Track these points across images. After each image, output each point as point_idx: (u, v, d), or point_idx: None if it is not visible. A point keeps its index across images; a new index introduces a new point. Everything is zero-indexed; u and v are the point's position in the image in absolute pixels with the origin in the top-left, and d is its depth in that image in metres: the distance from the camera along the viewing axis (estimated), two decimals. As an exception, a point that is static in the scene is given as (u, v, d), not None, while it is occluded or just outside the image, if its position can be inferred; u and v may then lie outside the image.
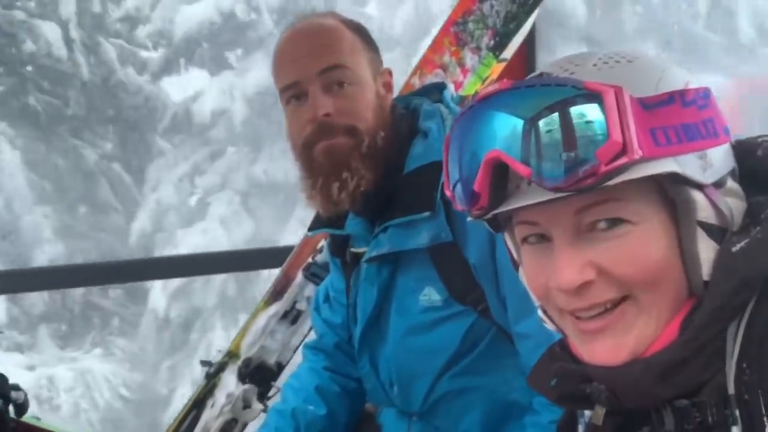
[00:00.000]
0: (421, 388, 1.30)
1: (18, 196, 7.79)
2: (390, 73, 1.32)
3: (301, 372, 1.52)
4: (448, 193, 0.70)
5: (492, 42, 1.87)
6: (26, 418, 1.43)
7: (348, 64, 1.24)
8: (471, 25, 1.86)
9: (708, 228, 0.67)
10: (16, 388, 1.37)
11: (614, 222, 0.65)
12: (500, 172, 0.66)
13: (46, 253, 6.79)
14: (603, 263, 0.66)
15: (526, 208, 0.66)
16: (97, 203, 7.39)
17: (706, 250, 0.67)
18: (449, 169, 0.70)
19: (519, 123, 0.63)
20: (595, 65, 0.67)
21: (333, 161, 1.23)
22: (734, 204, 0.69)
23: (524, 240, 0.70)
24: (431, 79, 1.81)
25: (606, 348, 0.67)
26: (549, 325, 0.74)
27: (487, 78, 1.86)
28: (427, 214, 1.21)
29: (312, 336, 1.65)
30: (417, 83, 1.86)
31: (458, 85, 1.87)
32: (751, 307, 0.65)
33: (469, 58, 1.88)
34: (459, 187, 0.68)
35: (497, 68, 1.86)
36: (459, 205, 0.69)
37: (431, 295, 1.26)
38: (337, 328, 1.48)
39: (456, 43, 1.87)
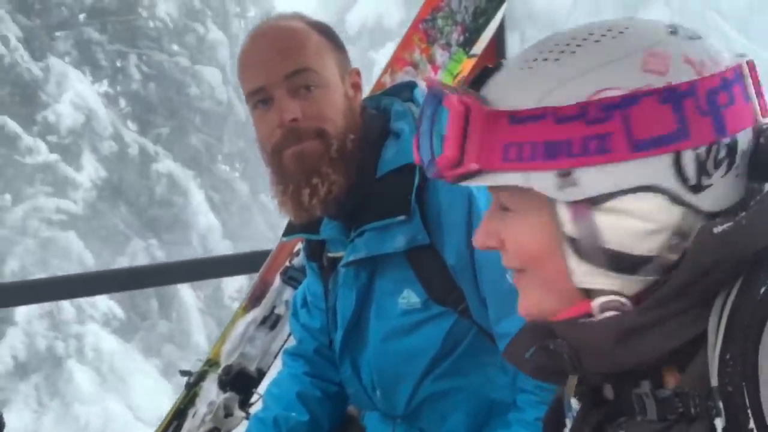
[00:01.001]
0: (404, 391, 1.29)
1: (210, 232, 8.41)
2: (358, 73, 1.30)
3: (281, 378, 1.51)
4: (416, 158, 0.77)
5: (462, 38, 1.86)
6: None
7: (314, 67, 1.22)
8: (440, 22, 1.85)
9: (571, 241, 0.68)
10: None
11: (504, 205, 0.73)
12: None
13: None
14: (501, 236, 0.74)
15: None
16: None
17: (573, 261, 0.69)
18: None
19: (421, 119, 0.74)
20: (521, 68, 0.70)
21: (303, 167, 1.21)
22: (617, 223, 0.66)
23: None
24: (402, 77, 1.79)
25: (520, 302, 0.76)
26: None
27: (458, 74, 1.86)
28: (402, 217, 1.20)
29: (291, 342, 1.64)
30: (388, 81, 1.85)
31: (430, 82, 1.87)
32: (733, 298, 0.65)
33: (440, 55, 1.87)
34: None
35: (468, 64, 1.86)
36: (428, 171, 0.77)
37: (410, 297, 1.25)
38: (316, 333, 1.47)
39: (426, 40, 1.86)
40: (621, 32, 0.68)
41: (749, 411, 0.62)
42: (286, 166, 1.22)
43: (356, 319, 1.31)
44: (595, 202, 0.66)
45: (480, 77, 0.72)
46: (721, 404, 0.63)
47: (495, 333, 1.23)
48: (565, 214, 0.68)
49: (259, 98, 1.23)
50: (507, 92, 0.68)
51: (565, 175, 0.66)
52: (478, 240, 0.76)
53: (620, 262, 0.67)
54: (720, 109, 0.66)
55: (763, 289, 0.64)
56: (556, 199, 0.67)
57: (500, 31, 1.94)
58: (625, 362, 0.68)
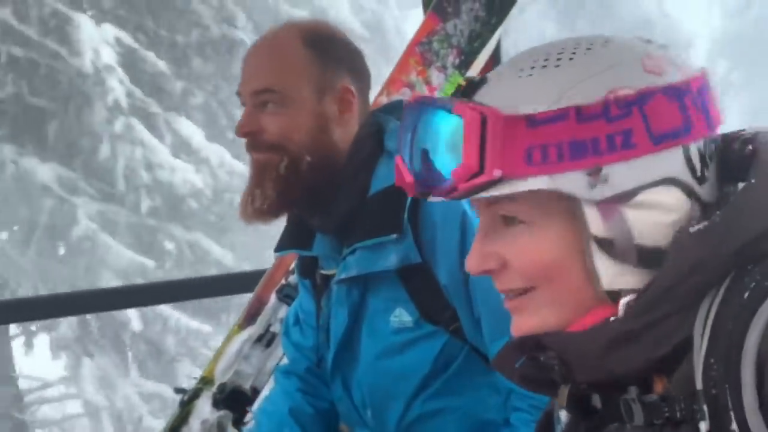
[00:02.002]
0: (395, 410, 1.29)
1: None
2: (350, 91, 1.27)
3: (273, 395, 1.51)
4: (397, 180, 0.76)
5: (457, 60, 1.88)
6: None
7: (276, 87, 1.23)
8: (436, 45, 1.88)
9: (602, 242, 0.68)
10: None
11: (511, 219, 0.70)
12: None
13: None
14: (505, 255, 0.71)
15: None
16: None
17: (603, 263, 0.68)
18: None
19: (408, 136, 0.71)
20: (519, 76, 0.70)
21: (253, 173, 1.26)
22: (646, 218, 0.68)
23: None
24: (398, 98, 1.81)
25: (516, 324, 0.73)
26: None
27: (453, 96, 1.87)
28: (394, 236, 1.21)
29: (285, 360, 1.64)
30: (384, 102, 1.86)
31: (426, 104, 1.89)
32: (717, 302, 0.66)
33: (436, 77, 1.89)
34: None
35: (464, 86, 1.88)
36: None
37: (402, 316, 1.25)
38: (307, 352, 1.47)
39: (422, 62, 1.89)
40: (607, 42, 0.71)
41: (731, 413, 0.63)
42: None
43: (348, 337, 1.31)
44: (625, 198, 0.67)
45: (467, 90, 0.71)
46: (705, 407, 0.64)
47: (490, 353, 1.23)
48: (593, 215, 0.67)
49: (240, 102, 1.29)
50: (513, 98, 0.68)
51: (595, 173, 0.66)
52: (473, 265, 0.72)
53: (650, 257, 0.68)
54: (707, 105, 0.70)
55: (746, 293, 0.64)
56: (587, 199, 0.67)
57: (496, 53, 1.97)
58: (615, 371, 0.69)
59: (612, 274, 0.68)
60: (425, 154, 0.69)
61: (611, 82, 0.67)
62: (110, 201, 7.92)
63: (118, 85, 7.46)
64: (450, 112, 0.67)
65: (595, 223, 0.67)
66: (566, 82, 0.68)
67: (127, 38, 7.58)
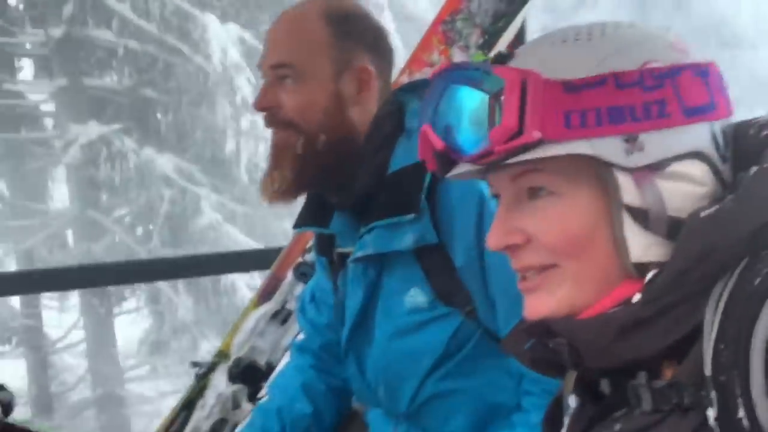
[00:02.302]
0: (407, 390, 1.29)
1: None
2: (369, 70, 1.26)
3: (287, 370, 1.52)
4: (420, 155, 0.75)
5: (481, 40, 1.86)
6: (15, 419, 1.43)
7: (294, 62, 1.23)
8: (459, 24, 1.86)
9: (634, 212, 0.68)
10: (2, 388, 1.37)
11: (537, 191, 0.70)
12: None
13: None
14: (529, 229, 0.70)
15: (477, 174, 0.72)
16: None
17: (633, 234, 0.68)
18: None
19: (441, 102, 0.70)
20: (552, 44, 0.70)
21: (273, 155, 1.26)
22: (676, 189, 0.68)
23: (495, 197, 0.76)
24: (420, 77, 1.80)
25: (533, 304, 0.72)
26: None
27: (476, 76, 1.86)
28: (411, 216, 1.21)
29: (300, 336, 1.65)
30: (406, 81, 1.85)
31: (447, 84, 1.87)
32: (729, 288, 0.65)
33: (458, 57, 1.87)
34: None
35: (486, 66, 1.86)
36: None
37: (417, 296, 1.25)
38: (322, 329, 1.48)
39: (444, 41, 1.87)
40: (632, 24, 0.72)
41: (739, 400, 0.62)
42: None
43: (363, 316, 1.31)
44: (657, 167, 0.68)
45: (497, 60, 0.71)
46: (713, 394, 0.64)
47: (503, 335, 1.22)
48: (627, 183, 0.67)
49: (261, 76, 1.28)
50: (551, 64, 0.67)
51: (631, 140, 0.67)
52: (496, 240, 0.71)
53: (678, 230, 0.68)
54: (725, 89, 0.71)
55: (757, 280, 0.64)
56: (624, 166, 0.67)
57: (520, 34, 1.94)
58: (625, 357, 0.68)
59: (643, 245, 0.68)
60: (459, 118, 0.69)
61: (644, 54, 0.68)
62: (230, 192, 8.16)
63: (245, 84, 7.66)
64: (489, 73, 0.67)
65: (629, 191, 0.67)
66: (602, 52, 0.68)
67: (250, 37, 7.78)
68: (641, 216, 0.68)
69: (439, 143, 0.70)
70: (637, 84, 0.67)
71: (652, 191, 0.67)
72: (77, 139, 7.87)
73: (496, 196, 0.75)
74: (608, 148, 0.66)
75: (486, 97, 0.67)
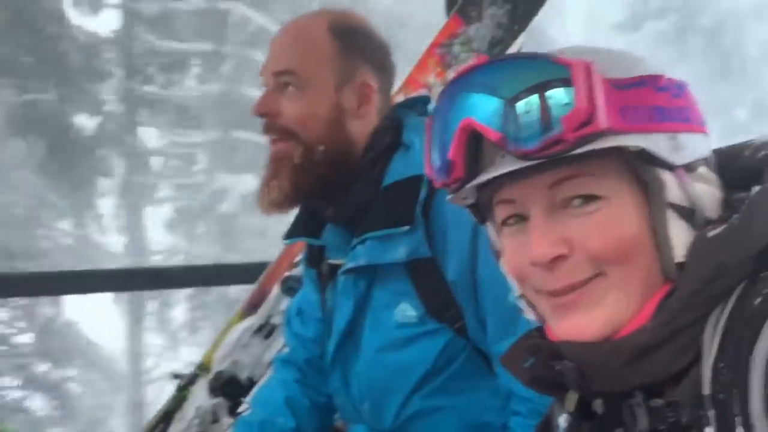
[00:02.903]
0: (392, 405, 1.28)
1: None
2: (370, 86, 1.27)
3: (270, 383, 1.50)
4: (427, 170, 0.72)
5: (477, 65, 1.89)
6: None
7: (297, 70, 1.24)
8: (456, 48, 1.88)
9: (679, 209, 0.68)
10: None
11: (586, 198, 0.67)
12: (476, 143, 0.68)
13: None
14: (575, 238, 0.67)
15: (502, 184, 0.68)
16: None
17: (678, 232, 0.68)
18: (430, 145, 0.72)
19: (492, 95, 0.66)
20: (576, 52, 0.70)
21: (271, 164, 1.26)
22: (706, 190, 0.70)
23: (504, 223, 0.72)
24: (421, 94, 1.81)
25: (578, 323, 0.68)
26: (526, 311, 0.75)
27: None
28: (405, 228, 1.20)
29: (286, 350, 1.63)
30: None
31: (442, 106, 1.89)
32: (729, 309, 0.65)
33: (454, 80, 1.89)
34: (436, 157, 0.71)
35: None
36: (436, 180, 0.71)
37: (407, 310, 1.25)
38: (308, 343, 1.46)
39: (441, 64, 1.89)
40: (618, 50, 0.73)
41: (737, 418, 0.62)
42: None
43: (351, 329, 1.30)
44: (690, 168, 0.70)
45: None
46: (711, 413, 0.63)
47: (493, 353, 1.22)
48: (672, 182, 0.68)
49: (262, 83, 1.28)
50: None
51: (673, 138, 0.68)
52: (542, 252, 0.67)
53: None
54: None
55: (758, 300, 0.64)
56: (671, 163, 0.67)
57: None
58: (635, 382, 0.68)
59: (688, 243, 0.68)
60: (529, 102, 0.65)
61: (657, 68, 0.70)
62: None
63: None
64: (552, 61, 0.65)
65: (674, 189, 0.68)
66: (626, 62, 0.69)
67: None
68: (686, 214, 0.68)
69: (493, 134, 0.65)
70: (668, 89, 0.69)
71: (691, 190, 0.69)
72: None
73: (508, 219, 0.70)
74: (658, 143, 0.67)
75: (552, 85, 0.64)
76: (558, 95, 0.64)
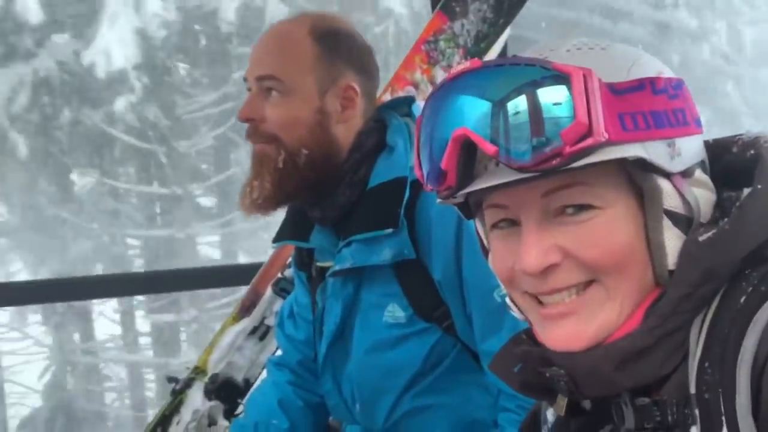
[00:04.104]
0: (384, 405, 1.29)
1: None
2: (353, 89, 1.27)
3: (264, 386, 1.51)
4: (417, 173, 0.69)
5: (463, 60, 1.88)
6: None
7: (281, 75, 1.24)
8: (442, 44, 1.88)
9: (674, 216, 0.67)
10: None
11: (581, 207, 0.65)
12: (468, 151, 0.65)
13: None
14: (569, 247, 0.66)
15: (494, 190, 0.66)
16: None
17: (672, 239, 0.67)
18: (420, 148, 0.69)
19: (487, 103, 0.63)
20: (568, 51, 0.67)
21: (253, 165, 1.27)
22: (702, 195, 0.69)
23: (494, 226, 0.70)
24: (402, 95, 1.81)
25: (567, 333, 0.67)
26: (515, 312, 0.74)
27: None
28: (390, 230, 1.21)
29: (279, 352, 1.64)
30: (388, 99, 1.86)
31: (429, 103, 1.89)
32: (714, 307, 0.65)
33: (441, 76, 1.89)
34: (426, 163, 0.68)
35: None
36: (427, 185, 0.69)
37: (395, 311, 1.25)
38: (300, 345, 1.47)
39: (427, 61, 1.88)
40: (611, 43, 0.70)
41: (723, 417, 0.62)
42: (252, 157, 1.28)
43: (341, 331, 1.31)
44: (687, 173, 0.68)
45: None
46: (696, 411, 0.63)
47: (480, 351, 1.23)
48: (669, 189, 0.67)
49: (246, 87, 1.28)
50: (587, 66, 0.64)
51: (671, 144, 0.66)
52: (535, 262, 0.65)
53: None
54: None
55: (743, 298, 0.64)
56: (668, 170, 0.66)
57: (502, 55, 1.96)
58: (625, 386, 0.67)
59: (677, 249, 0.67)
60: (527, 115, 0.61)
61: (655, 66, 0.68)
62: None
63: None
64: (549, 69, 0.62)
65: (671, 195, 0.67)
66: (625, 61, 0.67)
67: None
68: (681, 220, 0.67)
69: (489, 147, 0.63)
70: (665, 91, 0.67)
71: (689, 196, 0.68)
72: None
73: (498, 222, 0.69)
74: (657, 151, 0.65)
75: (549, 95, 0.61)
76: (556, 107, 0.61)
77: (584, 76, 0.61)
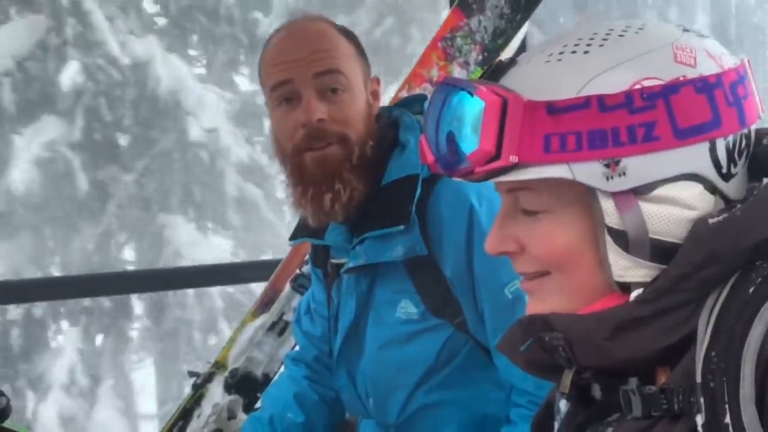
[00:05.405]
0: (397, 400, 1.30)
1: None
2: (378, 81, 1.32)
3: (280, 381, 1.53)
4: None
5: (480, 57, 1.88)
6: (11, 424, 1.44)
7: (343, 69, 1.24)
8: (459, 41, 1.88)
9: (615, 233, 0.68)
10: (1, 393, 1.38)
11: (525, 207, 0.71)
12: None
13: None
14: (523, 241, 0.72)
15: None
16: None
17: (615, 254, 0.68)
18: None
19: (434, 116, 0.71)
20: (547, 61, 0.69)
21: (325, 171, 1.22)
22: (661, 212, 0.67)
23: None
24: (417, 93, 1.82)
25: (533, 306, 0.74)
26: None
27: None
28: (401, 227, 1.22)
29: (296, 348, 1.66)
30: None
31: (446, 100, 1.89)
32: (723, 297, 0.65)
33: (458, 73, 1.89)
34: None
35: (485, 83, 1.87)
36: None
37: (408, 307, 1.26)
38: (316, 341, 1.49)
39: (444, 57, 1.89)
40: (641, 29, 0.69)
41: (726, 406, 0.63)
42: (307, 169, 1.23)
43: (355, 327, 1.33)
44: (642, 191, 0.67)
45: (495, 73, 0.71)
46: (702, 400, 0.64)
47: (492, 346, 1.23)
48: (609, 206, 0.67)
49: (285, 95, 1.23)
50: (538, 84, 0.67)
51: (613, 164, 0.66)
52: (492, 245, 0.73)
53: (663, 252, 0.67)
54: (741, 100, 0.68)
55: (751, 289, 0.64)
56: (603, 189, 0.66)
57: (520, 51, 1.96)
58: (619, 356, 0.69)
59: (623, 265, 0.68)
60: (448, 135, 0.69)
61: (640, 71, 0.66)
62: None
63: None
64: (473, 94, 0.67)
65: (610, 213, 0.67)
66: (593, 70, 0.67)
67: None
68: (621, 238, 0.68)
69: (429, 157, 0.72)
70: (624, 106, 0.65)
71: (633, 215, 0.67)
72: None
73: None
74: (587, 172, 0.66)
75: (469, 118, 0.67)
76: (471, 130, 0.67)
77: (503, 102, 0.66)
